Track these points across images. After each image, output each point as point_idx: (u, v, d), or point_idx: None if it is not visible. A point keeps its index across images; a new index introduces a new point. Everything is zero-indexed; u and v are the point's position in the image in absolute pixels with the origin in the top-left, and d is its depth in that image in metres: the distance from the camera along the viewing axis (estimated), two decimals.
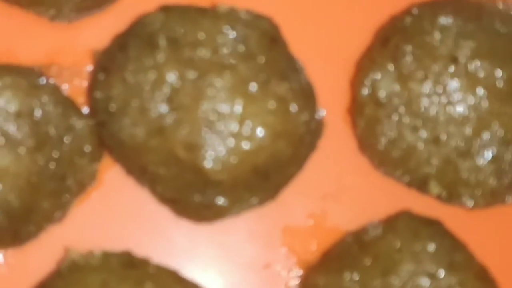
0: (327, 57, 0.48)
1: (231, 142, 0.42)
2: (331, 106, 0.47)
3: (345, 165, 0.47)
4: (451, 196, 0.44)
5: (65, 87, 0.47)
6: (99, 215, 0.46)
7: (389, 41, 0.45)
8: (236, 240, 0.46)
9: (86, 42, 0.48)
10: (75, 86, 0.47)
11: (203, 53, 0.42)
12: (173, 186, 0.43)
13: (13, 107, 0.43)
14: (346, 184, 0.47)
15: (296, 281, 0.46)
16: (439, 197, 0.45)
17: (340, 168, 0.47)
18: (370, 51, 0.46)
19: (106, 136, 0.45)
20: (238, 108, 0.42)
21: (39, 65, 0.47)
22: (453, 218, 0.45)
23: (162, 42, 0.43)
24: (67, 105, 0.45)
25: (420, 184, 0.45)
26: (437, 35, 0.44)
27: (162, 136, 0.42)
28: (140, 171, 0.44)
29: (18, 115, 0.43)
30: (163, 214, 0.46)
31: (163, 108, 0.42)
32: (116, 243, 0.45)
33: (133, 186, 0.46)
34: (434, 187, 0.44)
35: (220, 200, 0.43)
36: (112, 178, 0.46)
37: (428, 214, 0.45)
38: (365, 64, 0.45)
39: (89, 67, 0.48)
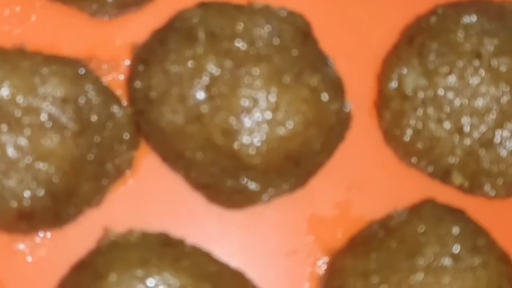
0: (355, 54, 0.50)
1: (266, 128, 0.44)
2: (359, 100, 0.48)
3: (371, 156, 0.49)
4: (473, 186, 0.46)
5: (103, 80, 0.49)
6: (135, 200, 0.48)
7: (415, 39, 0.47)
8: (265, 227, 0.48)
9: (125, 37, 0.50)
10: (113, 79, 0.49)
11: (240, 44, 0.44)
12: (208, 172, 0.45)
13: (59, 93, 0.45)
14: (371, 175, 0.49)
15: (322, 267, 0.48)
16: (461, 187, 0.47)
17: (366, 159, 0.49)
18: (396, 48, 0.48)
19: (145, 124, 0.47)
20: (273, 96, 0.44)
21: (80, 58, 0.49)
22: (476, 208, 0.47)
23: (201, 35, 0.45)
24: (108, 94, 0.47)
25: (443, 175, 0.46)
26: (461, 33, 0.46)
27: (200, 123, 0.44)
28: (176, 157, 0.46)
29: (64, 100, 0.45)
30: (196, 200, 0.48)
31: (202, 95, 0.44)
32: (151, 227, 0.47)
33: (168, 173, 0.48)
34: (457, 177, 0.46)
35: (252, 185, 0.45)
36: (148, 165, 0.48)
37: (452, 205, 0.46)
38: (392, 60, 0.47)
39: (127, 62, 0.50)
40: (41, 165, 0.44)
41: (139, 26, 0.49)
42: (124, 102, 0.48)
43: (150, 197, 0.48)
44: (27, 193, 0.44)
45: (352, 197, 0.48)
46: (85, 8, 0.49)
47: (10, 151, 0.43)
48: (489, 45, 0.45)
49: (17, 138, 0.44)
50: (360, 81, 0.49)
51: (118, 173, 0.47)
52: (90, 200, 0.47)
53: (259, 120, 0.44)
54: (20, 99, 0.44)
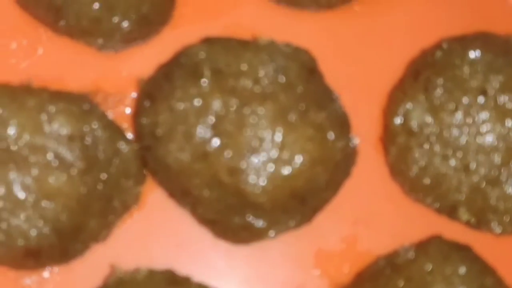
0: (360, 88, 0.50)
1: (272, 167, 0.44)
2: (364, 135, 0.49)
3: (377, 191, 0.49)
4: (480, 223, 0.46)
5: (109, 114, 0.49)
6: (141, 235, 0.48)
7: (420, 74, 0.47)
8: (272, 262, 0.48)
9: (131, 70, 0.50)
10: (119, 113, 0.50)
11: (246, 83, 0.45)
12: (214, 208, 0.45)
13: (65, 131, 0.45)
14: (377, 210, 0.49)
15: None
16: (468, 224, 0.47)
17: (372, 194, 0.49)
18: (402, 83, 0.48)
19: (151, 160, 0.47)
20: (279, 135, 0.44)
21: (86, 92, 0.49)
22: (482, 244, 0.47)
23: (207, 72, 0.45)
24: (114, 130, 0.48)
25: (450, 211, 0.46)
26: (466, 69, 0.46)
27: (207, 161, 0.44)
28: (182, 193, 0.46)
29: (70, 139, 0.45)
30: (202, 235, 0.48)
31: (208, 134, 0.44)
32: (158, 263, 0.47)
33: (174, 208, 0.48)
34: (464, 214, 0.46)
35: (259, 222, 0.45)
36: (154, 200, 0.48)
37: (458, 240, 0.46)
38: (397, 95, 0.48)
39: (133, 95, 0.50)
40: (48, 204, 0.44)
41: (145, 59, 0.50)
42: (130, 136, 0.48)
43: (157, 232, 0.48)
44: (33, 232, 0.44)
45: (358, 232, 0.48)
46: (92, 42, 0.49)
47: (17, 190, 0.44)
48: (495, 81, 0.45)
49: (24, 177, 0.44)
50: (365, 115, 0.49)
51: (125, 209, 0.47)
52: (96, 236, 0.47)
53: (264, 159, 0.44)
54: (26, 138, 0.44)
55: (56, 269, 0.48)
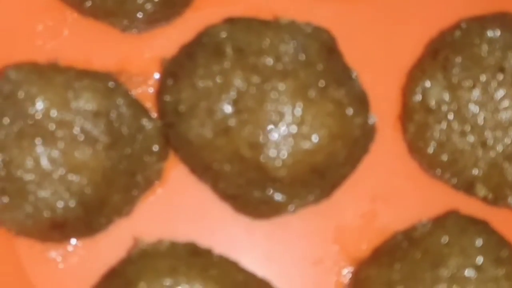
0: (380, 67, 0.50)
1: (291, 142, 0.45)
2: (383, 113, 0.49)
3: (395, 168, 0.49)
4: (497, 198, 0.46)
5: (133, 93, 0.50)
6: (164, 210, 0.49)
7: (439, 53, 0.48)
8: (291, 236, 0.49)
9: (154, 51, 0.51)
10: (142, 92, 0.51)
11: (267, 60, 0.45)
12: (235, 183, 0.46)
13: (91, 107, 0.46)
14: (395, 186, 0.49)
15: (347, 277, 0.48)
16: (485, 199, 0.47)
17: (390, 171, 0.49)
18: (420, 62, 0.49)
19: (173, 137, 0.48)
20: (299, 110, 0.45)
21: (111, 72, 0.50)
22: (499, 219, 0.47)
23: (229, 50, 0.46)
24: (138, 107, 0.49)
25: (467, 187, 0.47)
26: (484, 47, 0.46)
27: (228, 136, 0.45)
28: (204, 168, 0.47)
29: (95, 114, 0.46)
30: (223, 210, 0.49)
31: (229, 109, 0.45)
32: (180, 237, 0.48)
33: (196, 183, 0.49)
34: (481, 189, 0.46)
35: (279, 196, 0.46)
36: (177, 176, 0.49)
37: (475, 216, 0.47)
38: (416, 74, 0.48)
39: (156, 75, 0.51)
40: (74, 177, 0.45)
41: (168, 40, 0.50)
42: (154, 115, 0.49)
43: (179, 207, 0.49)
44: (60, 204, 0.45)
45: (377, 208, 0.49)
46: (116, 23, 0.50)
47: (44, 163, 0.45)
48: None
49: (51, 150, 0.45)
50: (384, 94, 0.50)
51: (148, 184, 0.48)
52: (120, 210, 0.48)
53: (285, 133, 0.44)
54: (54, 113, 0.45)
55: (80, 242, 0.49)
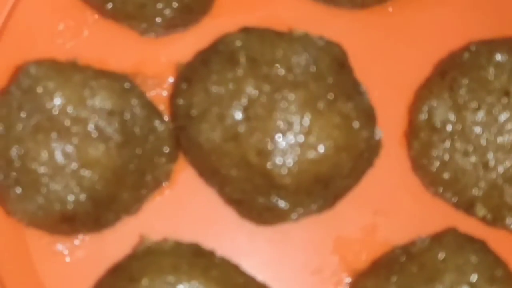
0: (388, 84, 0.51)
1: (298, 150, 0.46)
2: (389, 128, 0.50)
3: (398, 184, 0.50)
4: (495, 219, 0.47)
5: (148, 95, 0.51)
6: (171, 211, 0.50)
7: (447, 73, 0.49)
8: (292, 244, 0.50)
9: (170, 55, 0.52)
10: (156, 95, 0.52)
11: (279, 70, 0.47)
12: (241, 188, 0.47)
13: (106, 106, 0.47)
14: (397, 201, 0.50)
15: (345, 287, 0.49)
16: (484, 219, 0.48)
17: (393, 186, 0.50)
18: (428, 81, 0.50)
19: (184, 139, 0.49)
20: (307, 120, 0.46)
21: (127, 73, 0.52)
22: (497, 240, 0.48)
23: (242, 59, 0.47)
24: (151, 109, 0.50)
25: (467, 206, 0.48)
26: (491, 71, 0.47)
27: (236, 141, 0.46)
28: (211, 172, 0.48)
29: (110, 113, 0.47)
30: (228, 214, 0.50)
31: (239, 116, 0.46)
32: (184, 237, 0.49)
33: (203, 187, 0.50)
34: (480, 209, 0.47)
35: (282, 204, 0.47)
36: (185, 178, 0.50)
37: (474, 235, 0.48)
38: (423, 93, 0.49)
39: (170, 79, 0.52)
40: (86, 172, 0.46)
41: (184, 45, 0.51)
42: (166, 117, 0.50)
43: (185, 209, 0.50)
44: (71, 197, 0.46)
45: (378, 221, 0.50)
46: (135, 26, 0.52)
47: (58, 157, 0.46)
48: None
49: (65, 145, 0.46)
50: (391, 110, 0.51)
51: (156, 184, 0.49)
52: (128, 208, 0.49)
53: (292, 142, 0.46)
54: (70, 109, 0.47)
55: (87, 237, 0.50)
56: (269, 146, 0.45)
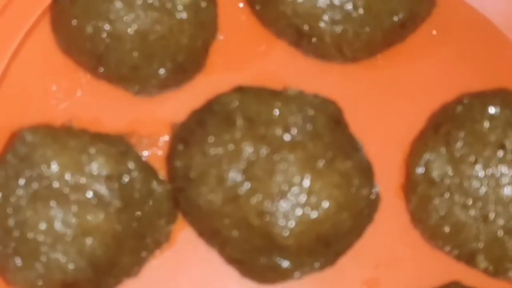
0: (383, 138, 0.52)
1: (299, 211, 0.46)
2: (387, 183, 0.50)
3: (398, 237, 0.50)
4: (497, 271, 0.47)
5: (143, 155, 0.51)
6: (171, 272, 0.50)
7: (441, 126, 0.49)
8: None
9: (164, 115, 0.52)
10: (151, 154, 0.52)
11: (276, 131, 0.47)
12: (242, 248, 0.47)
13: (104, 171, 0.47)
14: (398, 255, 0.50)
15: None
16: (486, 271, 0.48)
17: (393, 240, 0.50)
18: (423, 135, 0.50)
19: (183, 201, 0.49)
20: (307, 181, 0.46)
21: (122, 133, 0.52)
22: None
23: (239, 120, 0.47)
24: (148, 170, 0.50)
25: (468, 258, 0.48)
26: (486, 124, 0.48)
27: (237, 203, 0.46)
28: (211, 233, 0.48)
29: (108, 178, 0.47)
30: (229, 274, 0.49)
31: (239, 178, 0.46)
32: None
33: (203, 247, 0.50)
34: (482, 262, 0.47)
35: (285, 263, 0.47)
36: (184, 238, 0.50)
37: (477, 287, 0.48)
38: (419, 146, 0.50)
39: (165, 138, 0.52)
40: (86, 240, 0.46)
41: (178, 104, 0.51)
42: (162, 176, 0.50)
43: (185, 269, 0.50)
44: (71, 265, 0.46)
45: (379, 275, 0.50)
46: (129, 87, 0.52)
47: (58, 226, 0.46)
48: None
49: (64, 213, 0.46)
50: (388, 165, 0.51)
51: (156, 246, 0.49)
52: (129, 271, 0.48)
53: (293, 203, 0.46)
54: (68, 176, 0.47)
55: None
56: (270, 208, 0.45)
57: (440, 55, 0.53)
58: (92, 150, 0.47)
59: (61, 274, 0.46)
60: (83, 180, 0.46)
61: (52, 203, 0.46)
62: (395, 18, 0.50)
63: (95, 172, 0.46)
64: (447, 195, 0.47)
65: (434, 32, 0.53)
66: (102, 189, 0.46)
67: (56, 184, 0.46)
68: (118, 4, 0.48)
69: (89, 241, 0.46)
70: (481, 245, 0.47)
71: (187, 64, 0.51)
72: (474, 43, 0.53)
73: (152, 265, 0.49)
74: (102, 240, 0.46)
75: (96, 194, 0.46)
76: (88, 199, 0.46)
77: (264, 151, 0.46)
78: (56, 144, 0.47)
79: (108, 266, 0.47)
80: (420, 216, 0.48)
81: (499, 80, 0.51)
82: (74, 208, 0.46)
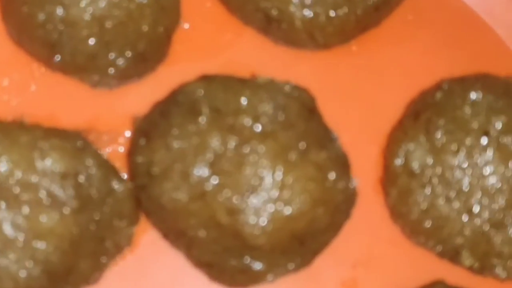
0: (359, 128, 0.49)
1: (272, 208, 0.43)
2: (364, 176, 0.48)
3: (377, 234, 0.48)
4: (483, 268, 0.45)
5: (103, 152, 0.48)
6: (134, 278, 0.47)
7: (420, 114, 0.47)
8: None
9: (125, 108, 0.49)
10: (112, 151, 0.49)
11: (245, 121, 0.44)
12: (211, 250, 0.44)
13: (58, 168, 0.44)
14: (377, 253, 0.48)
15: None
16: (471, 268, 0.46)
17: (372, 237, 0.48)
18: (401, 123, 0.48)
19: (145, 200, 0.46)
20: (279, 174, 0.43)
21: (80, 129, 0.49)
22: None
23: (205, 110, 0.45)
24: (108, 168, 0.47)
25: (453, 255, 0.46)
26: (467, 110, 0.46)
27: (204, 201, 0.43)
28: (177, 234, 0.45)
29: (63, 176, 0.44)
30: (197, 278, 0.47)
31: (205, 172, 0.44)
32: None
33: (168, 249, 0.47)
34: (467, 258, 0.45)
35: (257, 265, 0.44)
36: (148, 240, 0.47)
37: (462, 285, 0.46)
38: (397, 136, 0.47)
39: (127, 133, 0.49)
40: (39, 244, 0.43)
41: (140, 97, 0.49)
42: (124, 175, 0.47)
43: (149, 275, 0.47)
44: (23, 273, 0.43)
45: (358, 275, 0.47)
46: (86, 79, 0.49)
47: (7, 229, 0.43)
48: (497, 123, 0.45)
49: (14, 215, 0.43)
50: (365, 156, 0.49)
51: (117, 250, 0.46)
52: (88, 278, 0.46)
53: (264, 199, 0.43)
54: (18, 174, 0.43)
55: None
56: (240, 204, 0.43)
57: (417, 40, 0.51)
58: (45, 146, 0.44)
59: (12, 283, 0.43)
60: (35, 178, 0.43)
61: (1, 204, 0.43)
62: (369, 1, 0.47)
63: (48, 170, 0.43)
64: (428, 187, 0.45)
65: (410, 17, 0.51)
66: (56, 188, 0.43)
67: (5, 184, 0.43)
68: None
69: (42, 245, 0.42)
70: (465, 240, 0.45)
71: (149, 52, 0.48)
72: (452, 28, 0.51)
73: (113, 271, 0.47)
74: (57, 244, 0.43)
75: (49, 193, 0.43)
76: (41, 199, 0.43)
77: (232, 143, 0.43)
78: (5, 139, 0.44)
79: (65, 273, 0.44)
80: (400, 211, 0.46)
81: (479, 65, 0.50)
82: (26, 209, 0.43)
